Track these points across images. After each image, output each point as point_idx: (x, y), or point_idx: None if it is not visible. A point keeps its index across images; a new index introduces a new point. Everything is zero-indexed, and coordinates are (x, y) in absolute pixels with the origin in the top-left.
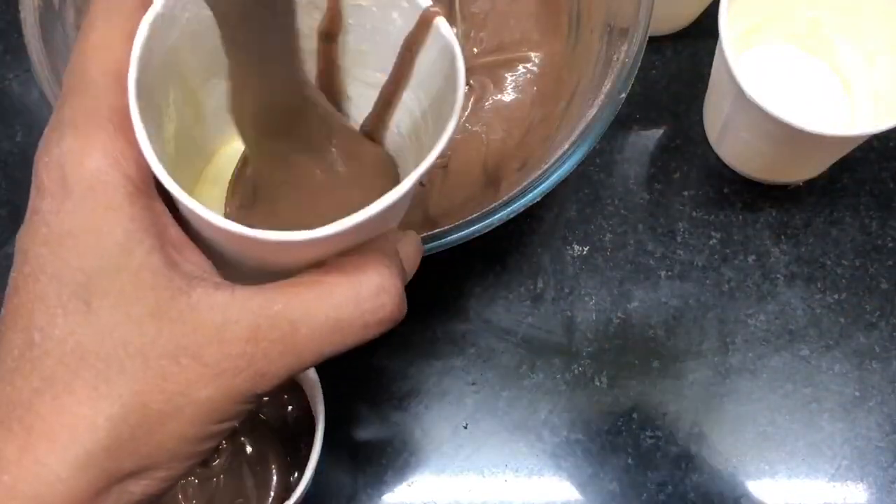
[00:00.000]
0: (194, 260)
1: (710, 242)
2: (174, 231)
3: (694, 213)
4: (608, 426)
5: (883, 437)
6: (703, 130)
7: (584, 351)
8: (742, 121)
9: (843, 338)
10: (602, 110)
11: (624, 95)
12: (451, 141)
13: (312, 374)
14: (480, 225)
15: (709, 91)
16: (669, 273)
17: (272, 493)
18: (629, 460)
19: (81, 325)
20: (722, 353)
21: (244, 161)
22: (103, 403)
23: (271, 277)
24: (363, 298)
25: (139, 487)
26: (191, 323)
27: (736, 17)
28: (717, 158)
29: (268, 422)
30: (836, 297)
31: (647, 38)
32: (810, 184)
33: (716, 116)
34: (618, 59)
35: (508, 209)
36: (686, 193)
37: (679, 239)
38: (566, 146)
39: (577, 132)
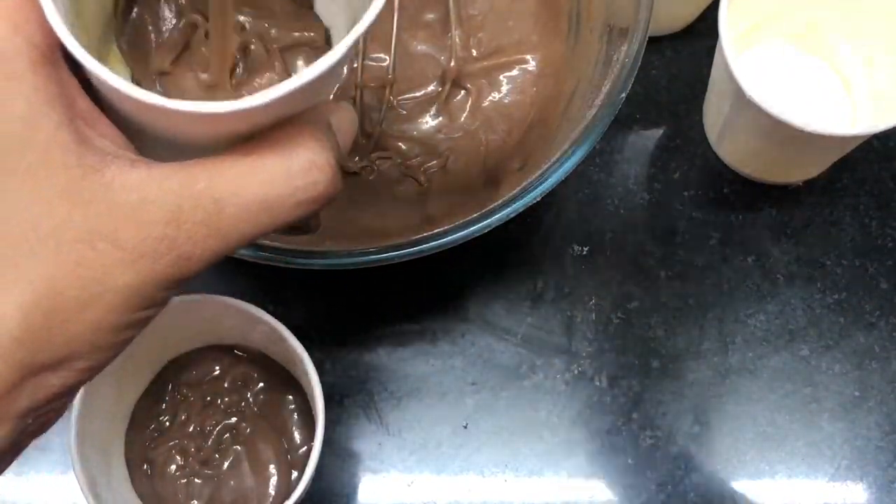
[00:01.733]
0: (107, 134)
1: (710, 242)
2: (84, 103)
3: (694, 213)
4: (608, 426)
5: (882, 437)
6: (704, 130)
7: (584, 351)
8: (742, 121)
9: (842, 338)
10: (602, 111)
11: (624, 96)
12: (382, 8)
13: (313, 374)
14: (480, 225)
15: (709, 91)
16: (669, 273)
17: (272, 493)
18: (629, 460)
19: None
20: (722, 353)
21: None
22: (12, 291)
23: (194, 157)
24: (294, 174)
25: (58, 380)
26: (105, 203)
27: (736, 16)
28: (718, 158)
29: (268, 422)
30: (835, 297)
31: (647, 39)
32: (810, 184)
33: (716, 116)
34: (618, 59)
35: (508, 209)
36: (686, 193)
37: (679, 239)
38: (566, 146)
39: (576, 132)
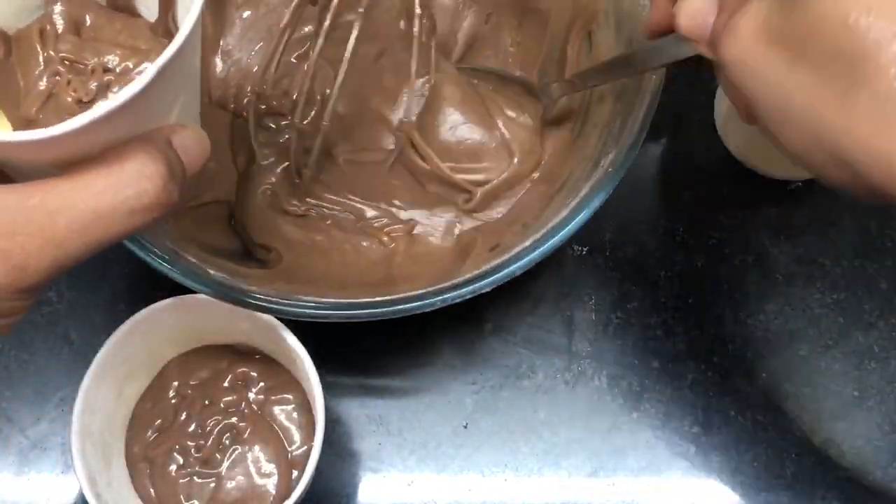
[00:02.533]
0: None
1: (710, 242)
2: None
3: (693, 213)
4: (608, 426)
5: (882, 437)
6: (704, 131)
7: (584, 351)
8: None
9: (842, 338)
10: (574, 211)
11: (599, 203)
12: (197, 25)
13: (313, 374)
14: (424, 303)
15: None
16: (669, 273)
17: (272, 493)
18: (629, 460)
19: None
20: (721, 352)
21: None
22: None
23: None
24: (123, 184)
25: None
26: None
27: None
28: (717, 158)
29: (268, 422)
30: (835, 296)
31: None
32: (809, 184)
33: (724, 99)
34: (604, 164)
35: (457, 292)
36: (685, 193)
37: (678, 239)
38: (539, 235)
39: (555, 222)
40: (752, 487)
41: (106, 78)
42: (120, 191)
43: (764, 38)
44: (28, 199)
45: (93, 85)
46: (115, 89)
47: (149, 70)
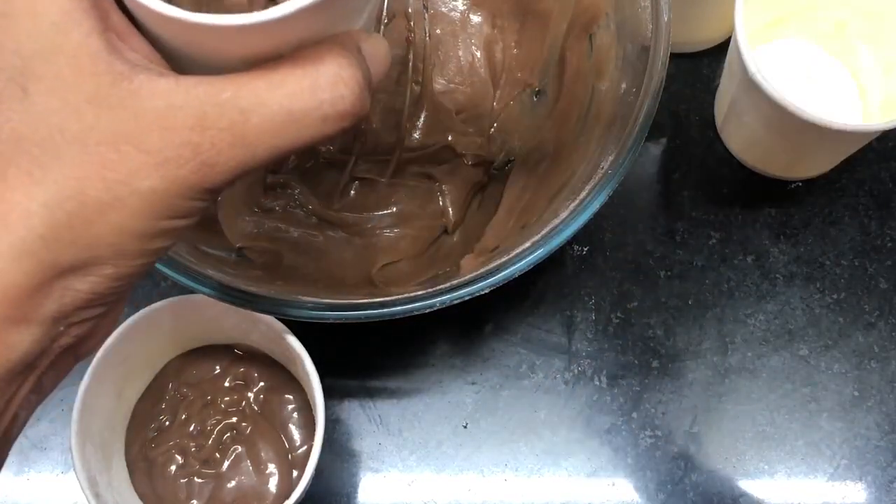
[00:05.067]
0: (140, 49)
1: (710, 242)
2: (117, 18)
3: (693, 213)
4: (608, 426)
5: (882, 437)
6: (703, 131)
7: (584, 351)
8: (745, 103)
9: (841, 337)
10: (574, 213)
11: (597, 207)
12: None
13: (313, 373)
14: (422, 304)
15: (722, 76)
16: (669, 273)
17: (272, 493)
18: (629, 460)
19: (17, 111)
20: (721, 352)
21: None
22: (38, 189)
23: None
24: (320, 87)
25: (85, 284)
26: (131, 109)
27: (757, 4)
28: (717, 158)
29: (268, 422)
30: (834, 296)
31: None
32: (809, 183)
33: (724, 99)
34: (602, 168)
35: (456, 293)
36: (685, 193)
37: (678, 239)
38: (537, 238)
39: (549, 227)
40: (751, 487)
41: None
42: (316, 94)
43: None
44: (221, 93)
45: None
46: None
47: None
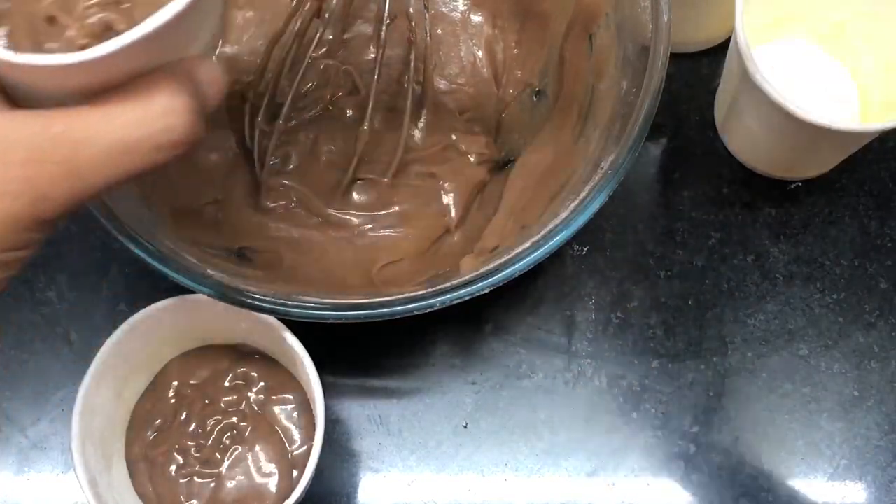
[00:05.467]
0: None
1: (710, 242)
2: None
3: (693, 213)
4: (608, 426)
5: (882, 437)
6: (703, 131)
7: (584, 351)
8: (745, 103)
9: (841, 337)
10: (574, 213)
11: (597, 206)
12: None
13: (313, 373)
14: (422, 304)
15: (723, 77)
16: (669, 273)
17: (272, 493)
18: (629, 460)
19: None
20: (721, 352)
21: None
22: None
23: None
24: (151, 118)
25: None
26: None
27: (757, 4)
28: (717, 158)
29: (268, 421)
30: (834, 296)
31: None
32: (809, 183)
33: (724, 98)
34: (602, 168)
35: (456, 293)
36: (685, 193)
37: (678, 239)
38: (537, 237)
39: (549, 227)
40: (751, 487)
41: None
42: (148, 124)
43: None
44: (52, 127)
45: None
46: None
47: None
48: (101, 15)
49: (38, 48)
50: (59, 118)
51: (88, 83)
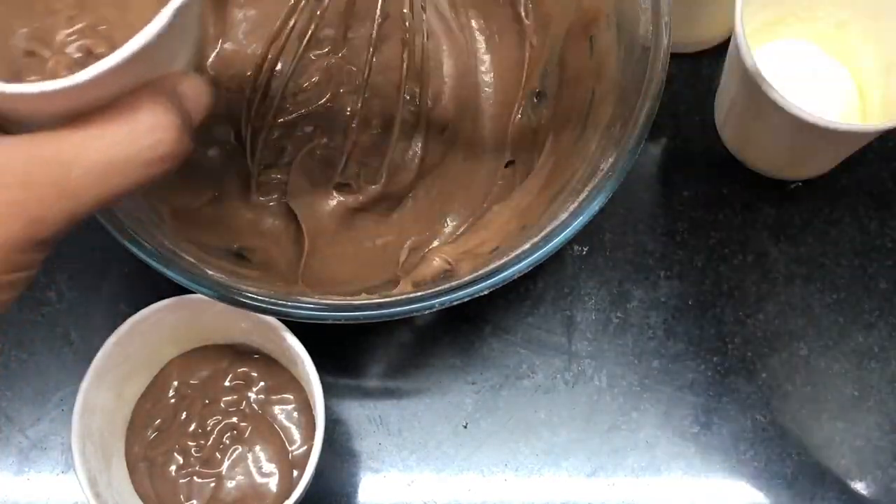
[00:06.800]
0: None
1: (710, 242)
2: None
3: (693, 213)
4: (608, 426)
5: (882, 437)
6: (703, 131)
7: (584, 351)
8: (745, 103)
9: (841, 337)
10: (573, 214)
11: (597, 207)
12: None
13: (313, 373)
14: (422, 304)
15: (723, 75)
16: (669, 273)
17: (272, 493)
18: (629, 460)
19: None
20: (721, 352)
21: None
22: None
23: None
24: (138, 135)
25: None
26: None
27: (757, 4)
28: (717, 158)
29: (268, 421)
30: (834, 296)
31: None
32: (809, 184)
33: (724, 98)
34: (602, 169)
35: (456, 294)
36: (685, 193)
37: (678, 239)
38: (537, 239)
39: (549, 228)
40: (752, 487)
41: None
42: (135, 141)
43: None
44: (41, 150)
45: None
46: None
47: (166, 11)
48: (80, 42)
49: (20, 80)
50: (48, 141)
51: (75, 107)
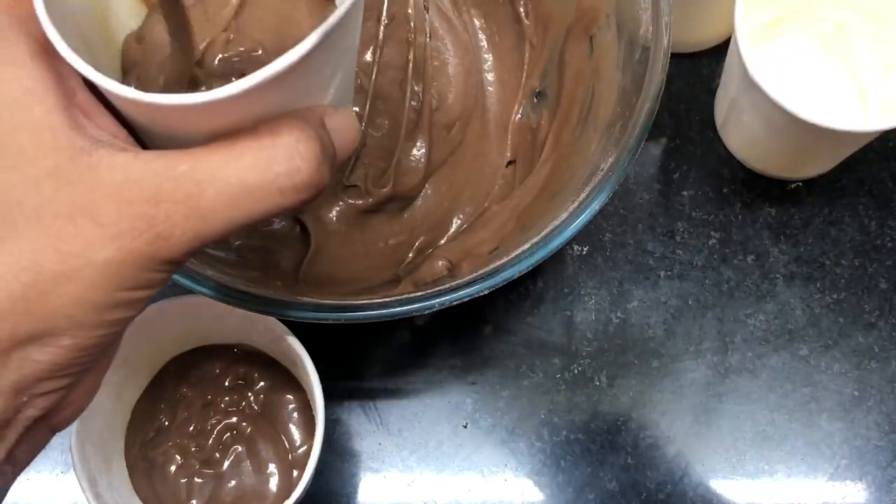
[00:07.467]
0: (106, 126)
1: (710, 242)
2: (84, 96)
3: (693, 213)
4: (608, 426)
5: (882, 437)
6: (703, 131)
7: (584, 351)
8: (745, 103)
9: (841, 337)
10: (573, 215)
11: (597, 207)
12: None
13: (313, 373)
14: (422, 304)
15: (722, 76)
16: (669, 273)
17: (272, 493)
18: (628, 460)
19: None
20: (721, 352)
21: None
22: None
23: None
24: (275, 161)
25: (44, 355)
26: (89, 183)
27: (757, 4)
28: (717, 158)
29: (268, 421)
30: (834, 296)
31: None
32: (809, 183)
33: (724, 98)
34: (602, 169)
35: (456, 294)
36: (685, 193)
37: (678, 239)
38: (538, 238)
39: (549, 228)
40: (752, 487)
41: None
42: (271, 167)
43: None
44: (176, 166)
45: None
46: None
47: (314, 33)
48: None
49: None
50: (184, 158)
51: (216, 126)
